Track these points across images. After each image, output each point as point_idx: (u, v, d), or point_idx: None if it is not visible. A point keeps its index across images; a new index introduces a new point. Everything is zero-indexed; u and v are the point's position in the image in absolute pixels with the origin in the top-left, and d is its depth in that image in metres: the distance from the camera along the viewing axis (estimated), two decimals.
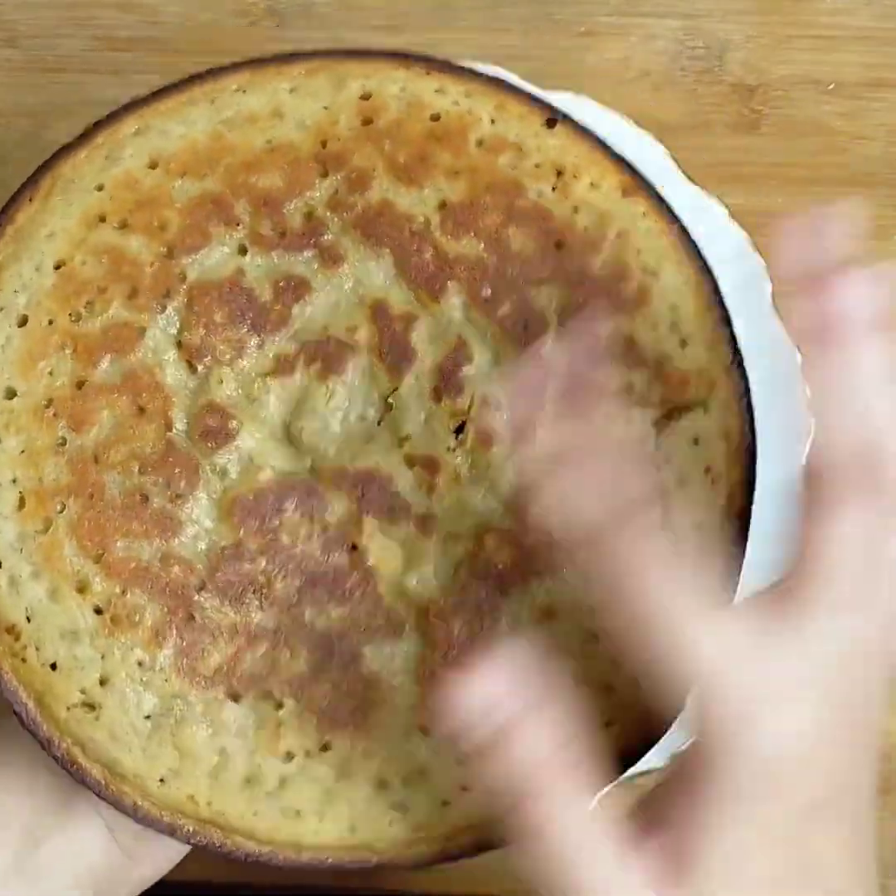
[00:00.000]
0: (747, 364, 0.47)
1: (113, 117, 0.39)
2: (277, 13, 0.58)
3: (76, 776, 0.36)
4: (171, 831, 0.36)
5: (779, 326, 0.53)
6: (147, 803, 0.36)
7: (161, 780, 0.36)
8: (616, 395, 0.37)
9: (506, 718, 0.31)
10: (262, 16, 0.58)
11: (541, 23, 0.57)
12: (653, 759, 0.52)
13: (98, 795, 0.36)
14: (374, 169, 0.38)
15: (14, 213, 0.38)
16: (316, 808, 0.36)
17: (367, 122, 0.38)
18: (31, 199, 0.38)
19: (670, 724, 0.36)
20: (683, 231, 0.39)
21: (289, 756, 0.36)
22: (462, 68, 0.39)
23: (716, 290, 0.38)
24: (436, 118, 0.38)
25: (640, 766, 0.52)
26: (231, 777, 0.36)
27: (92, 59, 0.58)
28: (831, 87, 0.57)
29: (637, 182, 0.39)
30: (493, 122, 0.38)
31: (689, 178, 0.53)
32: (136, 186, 0.38)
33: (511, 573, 0.37)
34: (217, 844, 0.36)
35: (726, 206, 0.54)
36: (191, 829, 0.36)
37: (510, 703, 0.31)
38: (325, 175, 0.38)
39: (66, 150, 0.38)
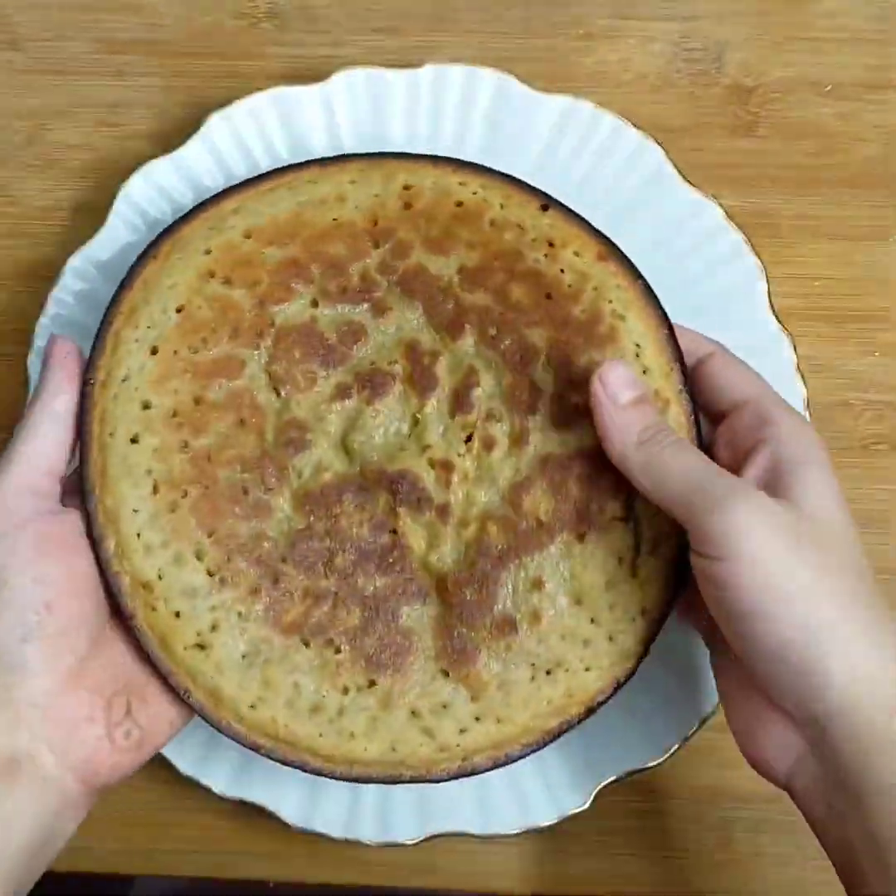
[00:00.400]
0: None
1: (216, 199, 0.49)
2: (277, 15, 0.58)
3: (187, 701, 0.46)
4: (255, 748, 0.46)
5: (775, 325, 0.54)
6: (238, 725, 0.46)
7: (251, 706, 0.46)
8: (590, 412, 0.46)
9: (645, 390, 0.45)
10: (263, 18, 0.58)
11: (539, 25, 0.58)
12: (655, 756, 0.52)
13: (203, 717, 0.46)
14: (412, 242, 0.48)
15: (141, 268, 0.48)
16: (365, 731, 0.46)
17: (407, 206, 0.49)
18: (155, 257, 0.48)
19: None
20: (646, 287, 0.48)
21: (345, 690, 0.46)
22: (480, 167, 0.49)
23: (670, 332, 0.47)
24: (459, 204, 0.48)
25: (642, 763, 0.52)
26: (302, 705, 0.46)
27: (93, 61, 0.58)
28: (829, 88, 0.58)
29: (610, 250, 0.48)
30: (502, 207, 0.48)
31: (687, 179, 0.54)
32: (235, 251, 0.48)
33: (508, 552, 0.47)
34: (288, 759, 0.46)
35: (723, 208, 0.54)
36: (269, 747, 0.46)
37: (644, 387, 0.46)
38: (376, 246, 0.48)
39: (181, 220, 0.48)
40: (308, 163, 0.49)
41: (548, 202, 0.49)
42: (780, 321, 0.54)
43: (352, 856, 0.53)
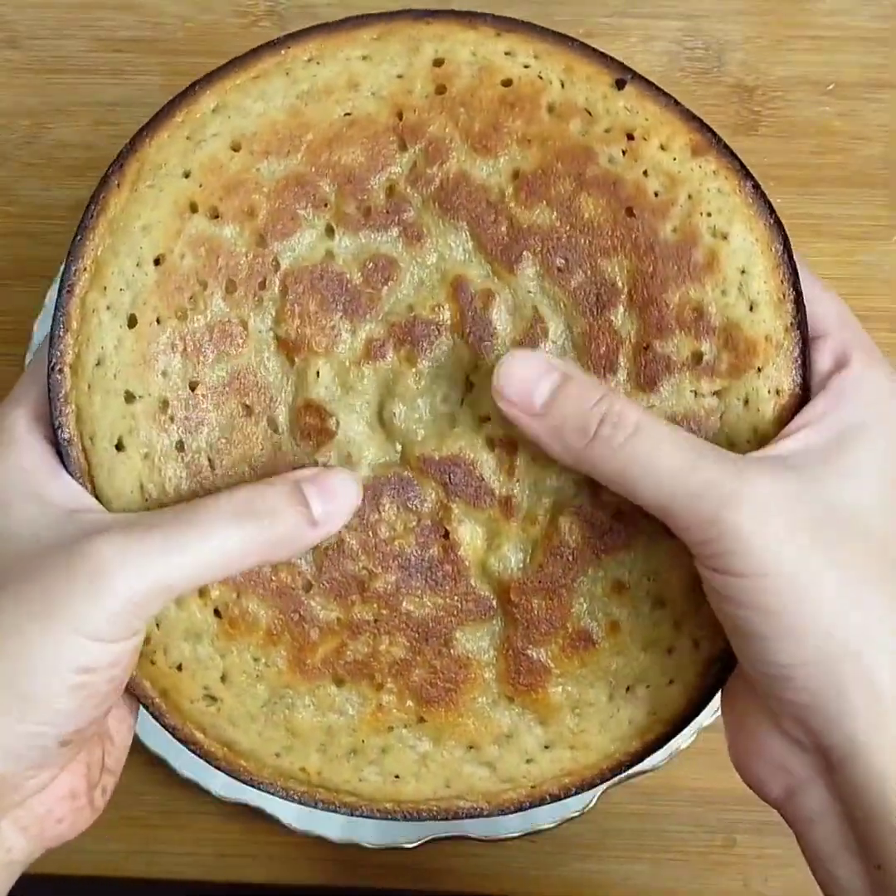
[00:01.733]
0: None
1: (188, 93, 0.38)
2: (277, 14, 0.58)
3: (198, 753, 0.39)
4: (285, 794, 0.40)
5: None
6: (264, 773, 0.39)
7: (276, 755, 0.39)
8: (684, 366, 0.38)
9: (560, 374, 0.35)
10: (262, 16, 0.58)
11: (540, 23, 0.57)
12: (655, 757, 0.52)
13: (218, 768, 0.39)
14: (450, 139, 0.38)
15: (104, 199, 0.38)
16: (413, 771, 0.39)
17: (440, 90, 0.38)
18: (119, 185, 0.38)
19: (723, 677, 0.39)
20: (756, 188, 0.38)
21: (389, 729, 0.39)
22: (531, 26, 0.39)
23: (786, 246, 0.38)
24: (507, 83, 0.38)
25: (643, 764, 0.52)
26: (337, 750, 0.39)
27: (92, 59, 0.58)
28: (830, 87, 0.58)
29: (708, 139, 0.38)
30: (563, 85, 0.38)
31: None
32: (221, 171, 0.38)
33: (584, 552, 0.38)
34: (325, 804, 0.40)
35: None
36: (302, 791, 0.40)
37: (557, 368, 0.36)
38: (403, 148, 0.38)
39: (147, 129, 0.38)
40: (305, 32, 0.38)
41: (625, 75, 0.38)
42: None
43: (351, 858, 0.53)
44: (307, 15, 0.58)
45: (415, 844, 0.52)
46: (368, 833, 0.52)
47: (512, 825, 0.52)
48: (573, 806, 0.52)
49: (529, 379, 0.35)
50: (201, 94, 0.38)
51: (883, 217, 0.57)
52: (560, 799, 0.40)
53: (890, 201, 0.57)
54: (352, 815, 0.40)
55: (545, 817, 0.52)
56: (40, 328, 0.53)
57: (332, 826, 0.52)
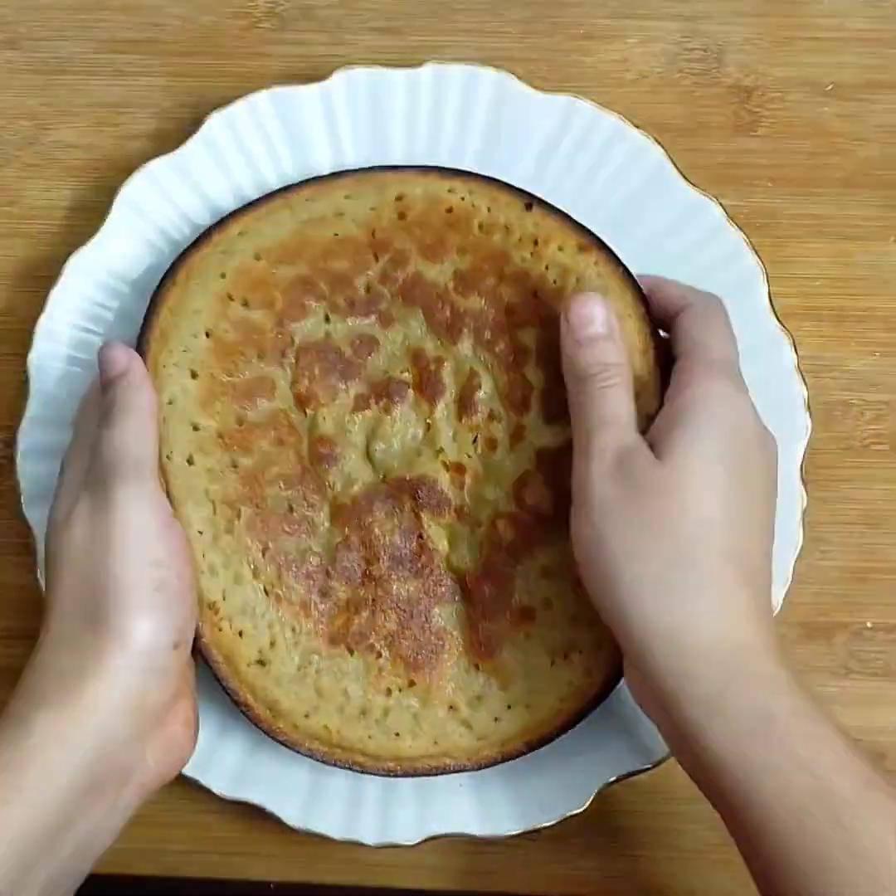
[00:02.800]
0: (743, 363, 0.48)
1: (221, 224, 0.51)
2: (277, 15, 0.58)
3: (248, 716, 0.49)
4: (309, 754, 0.50)
5: (775, 325, 0.54)
6: (295, 734, 0.50)
7: (305, 715, 0.50)
8: None
9: (607, 328, 0.47)
10: (262, 17, 0.58)
11: (540, 25, 0.58)
12: (656, 756, 0.52)
13: (259, 728, 0.49)
14: (409, 251, 0.51)
15: (163, 294, 0.50)
16: (410, 729, 0.50)
17: (402, 216, 0.51)
18: (173, 284, 0.50)
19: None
20: (625, 270, 0.50)
21: (388, 692, 0.50)
22: (466, 173, 0.52)
23: (647, 308, 0.49)
24: (449, 210, 0.51)
25: (643, 763, 0.52)
26: (351, 711, 0.50)
27: (93, 60, 0.58)
28: (829, 88, 0.58)
29: (591, 240, 0.50)
30: (489, 210, 0.51)
31: (687, 179, 0.54)
32: (249, 273, 0.51)
33: (517, 546, 0.51)
34: (341, 763, 0.50)
35: (723, 207, 0.54)
36: (324, 751, 0.50)
37: (610, 325, 0.48)
38: (376, 258, 0.52)
39: (192, 247, 0.51)
40: (304, 182, 0.52)
41: (531, 200, 0.51)
42: (780, 321, 0.53)
43: (352, 857, 0.53)
44: (306, 15, 0.58)
45: (415, 843, 0.52)
46: (368, 832, 0.52)
47: (512, 824, 0.52)
48: (572, 805, 0.52)
49: (590, 318, 0.47)
50: (231, 223, 0.51)
51: (883, 217, 0.57)
52: (525, 754, 0.50)
53: (889, 202, 0.57)
54: (363, 772, 0.50)
55: (544, 816, 0.52)
56: (42, 329, 0.53)
57: (332, 825, 0.52)
